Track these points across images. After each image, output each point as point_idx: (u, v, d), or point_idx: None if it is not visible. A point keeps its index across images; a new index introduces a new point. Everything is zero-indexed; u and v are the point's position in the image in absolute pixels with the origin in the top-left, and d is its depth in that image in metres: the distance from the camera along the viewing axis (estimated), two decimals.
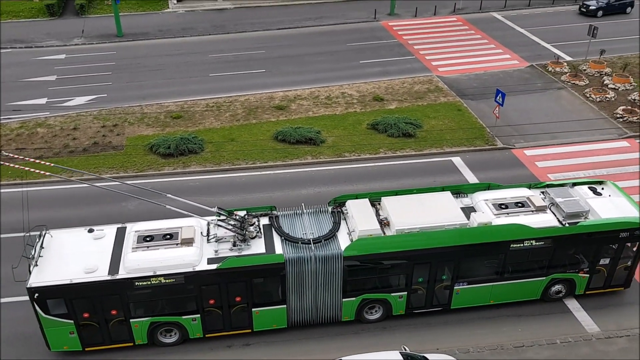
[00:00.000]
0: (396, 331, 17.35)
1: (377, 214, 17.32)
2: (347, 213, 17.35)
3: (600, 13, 41.83)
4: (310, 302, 16.88)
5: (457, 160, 25.66)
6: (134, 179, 24.02)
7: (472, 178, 24.22)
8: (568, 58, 35.11)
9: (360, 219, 16.74)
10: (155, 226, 16.58)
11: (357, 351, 15.89)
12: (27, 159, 17.01)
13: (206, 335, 16.92)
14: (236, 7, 45.22)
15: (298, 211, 17.56)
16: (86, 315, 15.83)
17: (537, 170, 24.72)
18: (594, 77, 32.56)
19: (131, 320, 16.15)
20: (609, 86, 31.29)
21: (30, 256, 15.57)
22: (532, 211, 17.35)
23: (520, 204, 17.56)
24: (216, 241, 16.22)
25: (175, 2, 45.79)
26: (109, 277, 15.35)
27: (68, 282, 15.18)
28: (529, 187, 18.71)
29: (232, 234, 16.23)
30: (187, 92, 31.96)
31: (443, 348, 16.55)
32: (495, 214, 17.17)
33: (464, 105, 30.05)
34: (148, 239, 16.07)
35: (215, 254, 15.97)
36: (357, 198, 17.78)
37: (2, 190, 23.50)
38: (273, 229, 16.86)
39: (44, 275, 15.30)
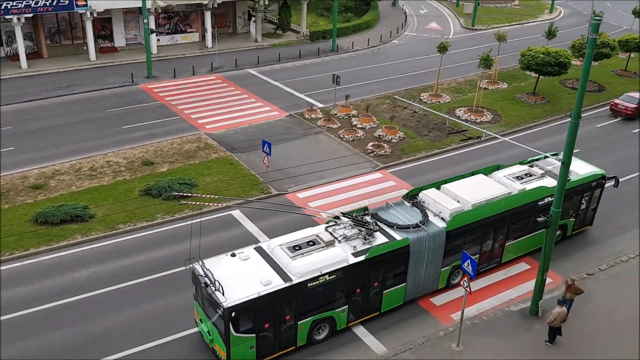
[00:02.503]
0: None
1: None
2: (425, 202, 21.08)
3: None
4: (422, 276, 20.15)
5: (236, 213, 26.01)
6: None
7: (253, 228, 24.75)
8: (320, 105, 38.58)
9: (445, 202, 20.62)
10: (288, 239, 18.64)
11: None
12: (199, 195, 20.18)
13: (348, 325, 19.06)
14: None
15: (385, 207, 20.82)
16: (266, 326, 17.02)
17: (311, 211, 26.28)
18: (344, 119, 36.28)
19: (298, 322, 17.66)
20: (358, 126, 35.14)
21: (210, 283, 16.43)
22: (539, 177, 22.95)
23: (528, 174, 23.06)
24: (346, 240, 18.85)
25: None
26: (287, 284, 16.94)
27: (256, 295, 16.33)
28: (521, 163, 24.47)
29: (356, 232, 19.00)
30: None
31: None
32: (521, 184, 22.26)
33: (235, 158, 30.80)
34: (297, 248, 18.12)
35: (354, 249, 18.52)
36: (421, 190, 21.64)
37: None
38: (380, 223, 19.76)
39: (230, 296, 16.12)
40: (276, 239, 18.71)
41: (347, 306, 18.66)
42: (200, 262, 17.30)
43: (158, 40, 48.65)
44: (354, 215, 19.58)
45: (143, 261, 22.32)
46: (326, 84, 40.76)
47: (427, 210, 20.66)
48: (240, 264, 17.56)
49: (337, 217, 19.76)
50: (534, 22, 65.26)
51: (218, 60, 46.21)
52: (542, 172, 23.32)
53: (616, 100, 38.82)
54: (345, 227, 19.31)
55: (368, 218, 19.89)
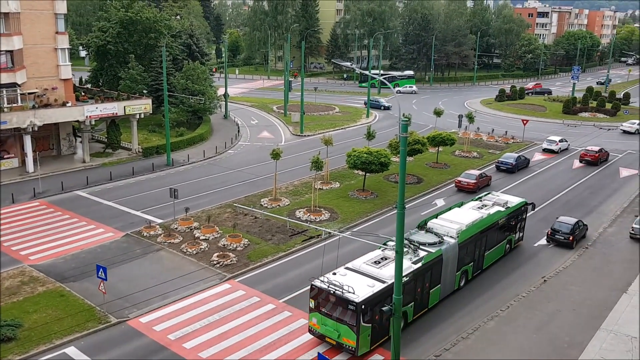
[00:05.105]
0: None
1: None
2: (434, 227, 28.67)
3: None
4: (447, 279, 27.25)
5: (72, 351, 23.33)
6: None
7: None
8: (159, 220, 37.30)
9: (449, 225, 28.59)
10: (366, 259, 25.23)
11: None
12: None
13: (413, 318, 25.20)
14: None
15: (410, 233, 27.88)
16: (377, 317, 22.43)
17: (157, 335, 24.54)
18: (186, 233, 35.38)
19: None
20: (201, 238, 34.42)
21: (340, 287, 22.17)
22: (491, 206, 32.24)
23: (484, 205, 32.38)
24: None
25: None
26: (385, 284, 22.96)
27: (372, 292, 22.35)
28: (473, 200, 34.00)
29: (405, 250, 24.40)
30: None
31: None
32: (485, 210, 31.60)
33: (66, 289, 28.01)
34: (378, 262, 24.73)
35: (411, 260, 25.03)
36: (426, 222, 29.45)
37: None
38: (415, 242, 26.90)
39: (358, 294, 21.95)
40: (357, 260, 25.11)
41: (413, 303, 24.79)
42: (323, 277, 22.95)
43: None
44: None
45: None
46: (164, 199, 39.82)
47: (438, 233, 28.07)
48: (342, 278, 23.16)
49: (386, 243, 27.02)
50: (354, 126, 71.63)
51: (41, 185, 43.04)
52: (491, 202, 32.89)
53: (459, 178, 45.83)
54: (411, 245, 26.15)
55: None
